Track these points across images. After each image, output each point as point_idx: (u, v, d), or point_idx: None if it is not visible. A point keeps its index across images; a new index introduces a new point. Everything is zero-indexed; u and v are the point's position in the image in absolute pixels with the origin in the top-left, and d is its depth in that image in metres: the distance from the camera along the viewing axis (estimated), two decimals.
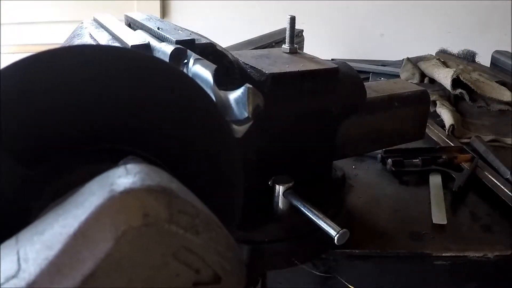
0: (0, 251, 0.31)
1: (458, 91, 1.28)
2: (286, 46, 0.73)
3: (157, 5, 2.13)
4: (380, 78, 1.49)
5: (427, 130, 0.97)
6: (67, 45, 0.63)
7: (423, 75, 1.46)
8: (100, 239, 0.29)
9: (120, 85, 0.38)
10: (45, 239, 0.30)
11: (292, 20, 0.71)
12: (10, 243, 0.31)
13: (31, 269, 0.28)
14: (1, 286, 0.28)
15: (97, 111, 0.38)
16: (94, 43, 0.60)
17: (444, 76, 1.32)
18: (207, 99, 0.41)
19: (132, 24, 0.70)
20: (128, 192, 0.30)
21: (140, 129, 0.40)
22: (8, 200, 0.36)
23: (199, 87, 0.41)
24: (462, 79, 1.28)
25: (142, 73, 0.39)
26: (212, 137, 0.42)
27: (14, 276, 0.28)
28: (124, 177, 0.31)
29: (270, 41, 1.40)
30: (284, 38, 0.73)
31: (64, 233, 0.29)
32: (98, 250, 0.29)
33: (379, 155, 0.95)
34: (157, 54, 0.51)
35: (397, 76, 1.49)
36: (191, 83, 0.41)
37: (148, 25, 0.63)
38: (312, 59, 0.70)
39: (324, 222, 0.57)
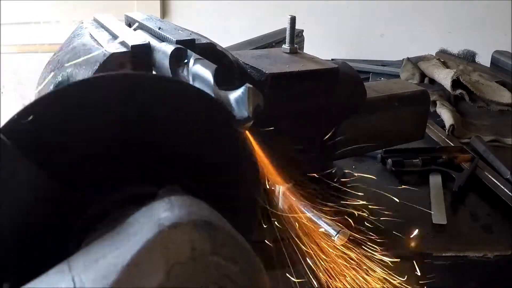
0: (54, 275, 0.32)
1: (458, 91, 1.28)
2: (286, 46, 0.73)
3: (157, 5, 2.13)
4: (380, 78, 1.49)
5: (427, 130, 0.97)
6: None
7: (423, 75, 1.46)
8: (153, 271, 0.31)
9: (159, 114, 0.40)
10: (99, 268, 0.31)
11: (292, 20, 0.71)
12: (63, 269, 0.32)
13: None
14: None
15: (138, 139, 0.40)
16: (95, 44, 0.60)
17: (444, 77, 1.32)
18: (230, 120, 0.43)
19: (132, 24, 0.70)
20: (175, 227, 0.32)
21: (175, 154, 0.42)
22: (48, 220, 0.37)
23: (227, 111, 0.43)
24: (462, 80, 1.28)
25: (183, 102, 0.41)
26: (235, 157, 0.44)
27: None
28: (170, 211, 0.33)
29: (270, 41, 1.40)
30: (284, 38, 0.73)
31: (118, 264, 0.31)
32: (151, 282, 0.31)
33: (379, 155, 0.95)
34: (157, 54, 0.51)
35: (397, 76, 1.49)
36: (220, 107, 0.43)
37: (148, 25, 0.63)
38: (312, 59, 0.70)
39: (324, 222, 0.57)
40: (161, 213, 0.33)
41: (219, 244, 0.34)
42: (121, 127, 0.39)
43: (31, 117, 0.35)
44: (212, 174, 0.44)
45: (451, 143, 1.04)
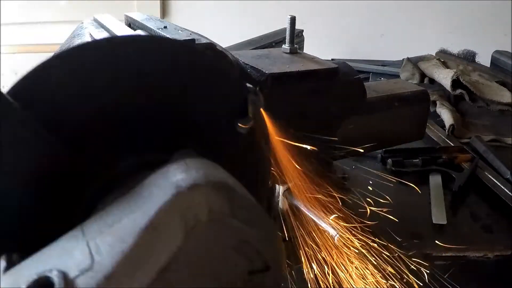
0: (67, 241, 0.31)
1: (458, 91, 1.28)
2: (286, 46, 0.72)
3: (157, 5, 2.13)
4: (380, 78, 1.49)
5: (427, 130, 0.97)
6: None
7: (423, 75, 1.46)
8: (172, 233, 0.30)
9: (172, 79, 0.39)
10: (115, 232, 0.30)
11: (292, 20, 0.71)
12: (76, 234, 0.31)
13: (106, 262, 0.29)
14: (77, 278, 0.28)
15: (147, 104, 0.39)
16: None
17: (444, 77, 1.32)
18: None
19: (132, 24, 0.70)
20: (193, 188, 0.31)
21: (190, 122, 0.41)
22: (58, 187, 0.36)
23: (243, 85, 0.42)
24: (462, 80, 1.28)
25: (201, 69, 0.40)
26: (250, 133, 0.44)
27: (89, 269, 0.28)
28: (186, 173, 0.33)
29: (270, 41, 1.40)
30: (284, 38, 0.73)
31: (136, 227, 0.30)
32: (171, 244, 0.30)
33: (379, 155, 0.95)
34: None
35: (397, 76, 1.49)
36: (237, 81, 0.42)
37: (148, 25, 0.63)
38: (312, 59, 0.70)
39: (324, 222, 0.57)
40: (177, 175, 0.32)
41: (236, 206, 0.33)
42: (137, 94, 0.38)
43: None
44: (226, 146, 0.43)
45: (451, 143, 1.04)
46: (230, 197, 0.33)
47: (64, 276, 0.28)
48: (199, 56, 0.41)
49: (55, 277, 0.28)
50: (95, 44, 0.37)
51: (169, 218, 0.31)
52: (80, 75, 0.36)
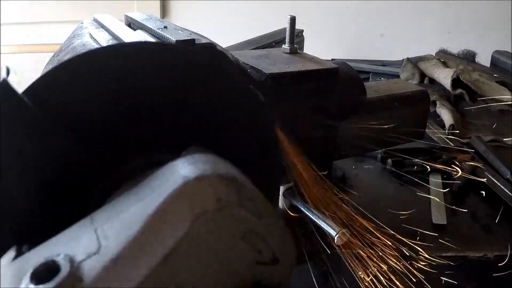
0: (76, 229, 0.32)
1: (458, 91, 1.28)
2: (286, 46, 0.72)
3: (157, 5, 2.13)
4: (380, 78, 1.49)
5: (427, 130, 0.97)
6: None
7: (423, 75, 1.46)
8: (178, 220, 0.31)
9: (181, 84, 0.40)
10: (123, 219, 0.32)
11: (292, 20, 0.71)
12: (85, 223, 0.33)
13: (113, 246, 0.30)
14: (84, 262, 0.29)
15: (160, 108, 0.40)
16: (95, 44, 0.60)
17: (444, 76, 1.32)
18: (254, 99, 0.44)
19: (132, 24, 0.70)
20: (201, 178, 0.33)
21: (196, 124, 0.42)
22: (73, 181, 0.38)
23: (248, 87, 0.44)
24: (462, 79, 1.28)
25: (205, 74, 0.41)
26: (258, 128, 0.45)
27: (96, 253, 0.30)
28: (194, 165, 0.34)
29: (270, 41, 1.40)
30: (284, 38, 0.73)
31: (143, 214, 0.31)
32: (177, 230, 0.31)
33: (379, 155, 0.95)
34: None
35: (397, 76, 1.49)
36: (240, 83, 0.44)
37: (148, 25, 0.63)
38: (312, 59, 0.70)
39: (324, 222, 0.57)
40: (185, 167, 0.34)
41: (244, 197, 0.34)
42: (144, 97, 0.39)
43: None
44: (236, 149, 0.44)
45: (451, 143, 1.04)
46: (238, 189, 0.34)
47: (71, 259, 0.29)
48: (196, 57, 0.42)
49: (61, 260, 0.29)
50: (103, 50, 0.40)
51: (176, 205, 0.31)
52: (89, 80, 0.38)
